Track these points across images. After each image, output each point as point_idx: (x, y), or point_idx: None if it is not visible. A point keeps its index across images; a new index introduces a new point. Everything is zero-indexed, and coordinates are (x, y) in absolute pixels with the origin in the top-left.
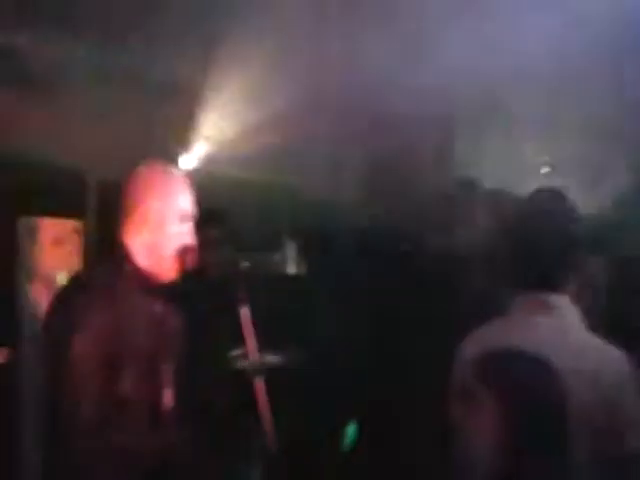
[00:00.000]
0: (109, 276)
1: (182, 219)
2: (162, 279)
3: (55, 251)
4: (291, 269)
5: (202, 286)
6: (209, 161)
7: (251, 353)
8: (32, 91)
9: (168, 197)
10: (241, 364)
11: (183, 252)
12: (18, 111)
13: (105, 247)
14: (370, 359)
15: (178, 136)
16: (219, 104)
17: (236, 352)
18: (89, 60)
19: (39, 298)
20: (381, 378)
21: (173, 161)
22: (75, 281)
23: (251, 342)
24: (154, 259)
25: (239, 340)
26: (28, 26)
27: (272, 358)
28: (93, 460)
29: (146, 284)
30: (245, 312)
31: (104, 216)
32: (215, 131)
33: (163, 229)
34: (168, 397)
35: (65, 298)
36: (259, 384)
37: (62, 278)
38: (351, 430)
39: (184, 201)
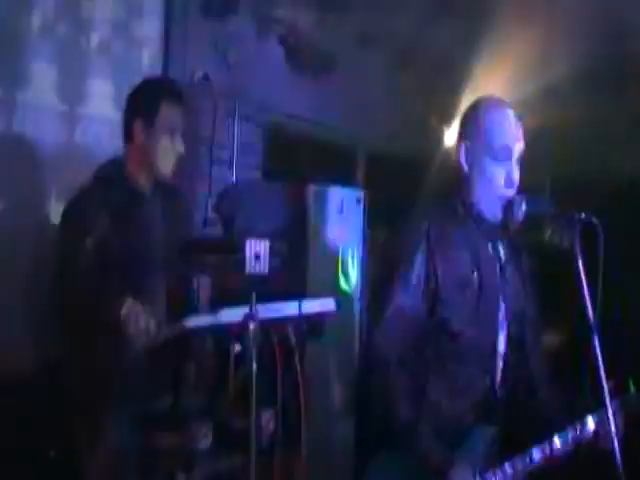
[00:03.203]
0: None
1: (500, 156)
2: (490, 221)
3: (340, 219)
4: None
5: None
6: None
7: None
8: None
9: (486, 133)
10: None
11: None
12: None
13: (380, 218)
14: None
15: (440, 112)
16: (484, 79)
17: None
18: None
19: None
20: None
21: (436, 136)
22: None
23: None
24: (476, 199)
25: None
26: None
27: None
28: None
29: (481, 225)
30: None
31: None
32: None
33: (480, 166)
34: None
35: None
36: None
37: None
38: None
39: (503, 137)
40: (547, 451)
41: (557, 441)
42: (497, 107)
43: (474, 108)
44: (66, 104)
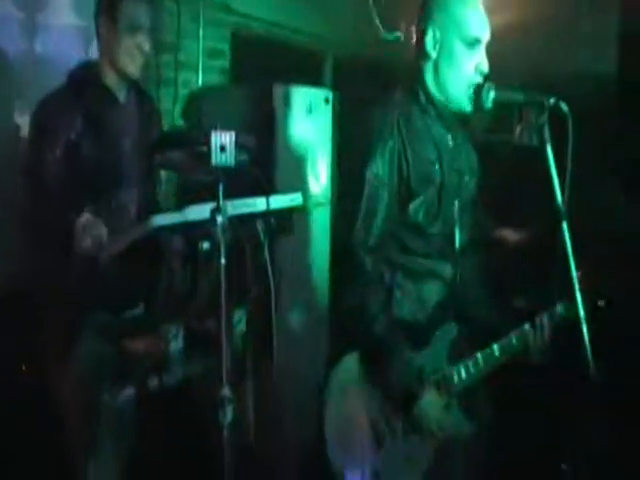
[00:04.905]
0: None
1: (473, 45)
2: (455, 110)
3: (308, 119)
4: None
5: None
6: None
7: None
8: None
9: (458, 21)
10: None
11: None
12: None
13: (349, 119)
14: None
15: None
16: None
17: None
18: None
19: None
20: None
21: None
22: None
23: None
24: (443, 87)
25: None
26: None
27: None
28: None
29: (438, 112)
30: None
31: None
32: None
33: (450, 53)
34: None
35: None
36: None
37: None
38: None
39: (476, 25)
40: (489, 357)
41: (496, 349)
42: None
43: None
44: (24, 12)
